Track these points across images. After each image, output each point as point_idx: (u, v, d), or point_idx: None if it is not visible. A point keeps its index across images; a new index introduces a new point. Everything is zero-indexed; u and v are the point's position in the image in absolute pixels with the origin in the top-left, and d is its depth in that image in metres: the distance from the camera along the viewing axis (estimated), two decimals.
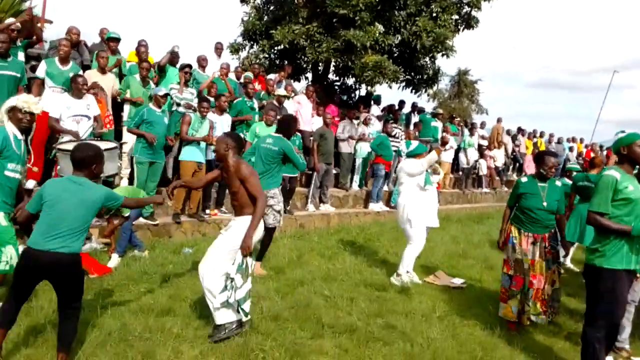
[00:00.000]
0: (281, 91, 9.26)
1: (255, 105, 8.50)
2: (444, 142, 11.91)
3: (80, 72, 6.58)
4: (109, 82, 7.23)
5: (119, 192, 5.73)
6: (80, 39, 7.48)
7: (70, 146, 4.66)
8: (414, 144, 6.14)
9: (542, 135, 16.91)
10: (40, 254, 3.07)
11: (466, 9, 12.23)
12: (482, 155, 14.15)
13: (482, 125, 15.56)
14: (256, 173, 4.10)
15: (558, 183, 4.80)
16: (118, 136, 7.53)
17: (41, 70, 6.45)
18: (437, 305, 5.07)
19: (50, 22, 13.87)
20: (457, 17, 12.15)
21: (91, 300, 4.44)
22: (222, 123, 7.67)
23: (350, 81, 13.08)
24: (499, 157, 14.71)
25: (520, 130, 16.54)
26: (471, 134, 13.98)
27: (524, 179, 4.85)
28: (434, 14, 11.31)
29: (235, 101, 8.39)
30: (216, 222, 7.57)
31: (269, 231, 5.74)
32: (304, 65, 12.57)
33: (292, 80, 11.71)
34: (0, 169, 3.75)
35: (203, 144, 7.26)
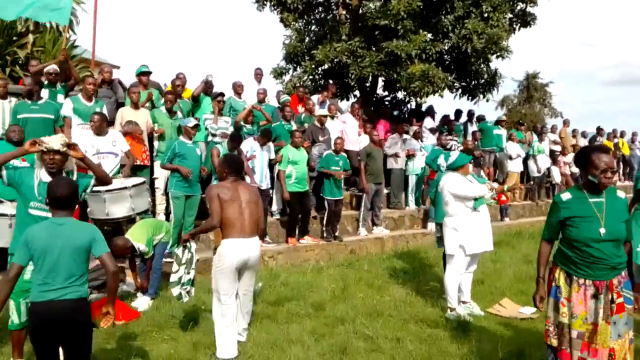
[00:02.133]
0: (322, 111, 8.81)
1: (294, 128, 8.09)
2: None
3: (104, 110, 6.49)
4: (143, 117, 7.10)
5: (139, 227, 5.49)
6: (113, 77, 7.46)
7: (99, 187, 4.46)
8: (454, 155, 5.30)
9: (622, 135, 15.17)
10: (46, 305, 2.81)
11: (520, 5, 11.25)
12: (554, 161, 12.84)
13: (553, 129, 14.20)
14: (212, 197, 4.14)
15: (620, 194, 3.20)
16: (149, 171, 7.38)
17: (67, 109, 6.41)
18: (501, 344, 4.25)
19: (117, 67, 14.47)
20: (510, 15, 11.20)
21: (109, 350, 4.11)
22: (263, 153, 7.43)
23: (401, 95, 12.40)
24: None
25: (599, 130, 14.90)
26: (540, 140, 12.73)
27: (565, 195, 3.17)
28: (485, 14, 10.45)
29: (273, 125, 8.04)
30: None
31: None
32: (351, 83, 12.07)
33: (338, 100, 11.25)
34: (23, 208, 3.66)
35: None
